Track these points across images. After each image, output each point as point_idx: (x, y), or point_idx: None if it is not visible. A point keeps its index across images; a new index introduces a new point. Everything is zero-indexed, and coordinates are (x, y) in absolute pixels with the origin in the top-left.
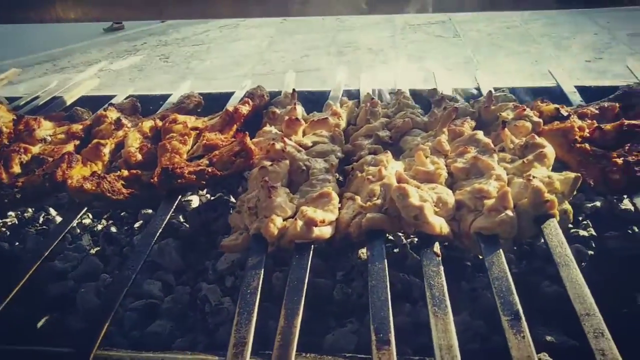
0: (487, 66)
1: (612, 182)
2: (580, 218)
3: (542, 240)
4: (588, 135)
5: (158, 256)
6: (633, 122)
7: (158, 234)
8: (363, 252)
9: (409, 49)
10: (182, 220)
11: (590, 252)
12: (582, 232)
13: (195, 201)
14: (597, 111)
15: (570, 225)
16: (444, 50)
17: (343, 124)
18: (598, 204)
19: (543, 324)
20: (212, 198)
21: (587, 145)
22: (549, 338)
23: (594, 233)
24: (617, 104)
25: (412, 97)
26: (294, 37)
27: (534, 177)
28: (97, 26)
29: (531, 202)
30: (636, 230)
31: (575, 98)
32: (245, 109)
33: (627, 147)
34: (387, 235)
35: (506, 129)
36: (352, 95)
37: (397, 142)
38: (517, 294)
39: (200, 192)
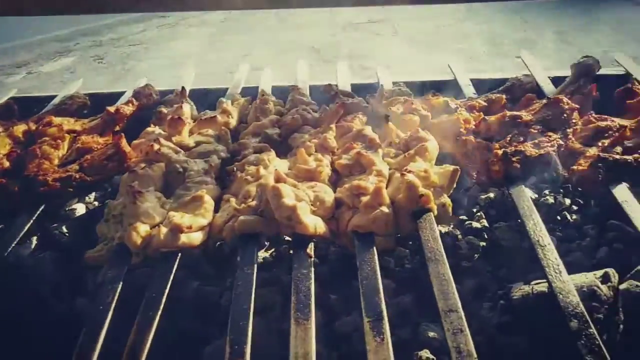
0: (424, 63)
1: (492, 173)
2: (475, 210)
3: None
4: (474, 127)
5: (33, 269)
6: (515, 112)
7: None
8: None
9: (350, 46)
10: (65, 230)
11: (483, 243)
12: (475, 224)
13: (80, 209)
14: (485, 103)
15: (465, 217)
16: (384, 47)
17: (234, 122)
18: (492, 195)
19: (432, 320)
20: (98, 205)
21: (472, 138)
22: (431, 334)
23: (486, 224)
24: (503, 96)
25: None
26: (235, 36)
27: (409, 171)
28: (25, 25)
29: (406, 197)
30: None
31: (468, 91)
32: (128, 109)
33: (508, 138)
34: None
35: (390, 123)
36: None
37: (286, 139)
38: (404, 291)
39: (88, 199)
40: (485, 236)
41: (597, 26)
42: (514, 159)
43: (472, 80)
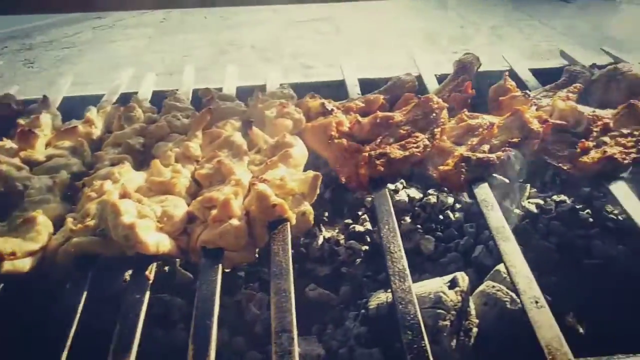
0: (365, 61)
1: (360, 177)
2: (360, 213)
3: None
4: (348, 129)
5: None
6: (387, 113)
7: None
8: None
9: (293, 45)
10: None
11: (365, 247)
12: (359, 227)
13: None
14: (362, 104)
15: (350, 221)
16: (326, 46)
17: (98, 132)
18: None
19: (303, 333)
20: None
21: (343, 141)
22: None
23: (370, 227)
24: (381, 96)
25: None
26: (174, 36)
27: (263, 180)
28: None
29: (258, 208)
30: (408, 220)
31: (354, 91)
32: None
33: (378, 140)
34: None
35: (254, 128)
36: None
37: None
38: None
39: None
40: (368, 239)
41: (528, 21)
42: (377, 161)
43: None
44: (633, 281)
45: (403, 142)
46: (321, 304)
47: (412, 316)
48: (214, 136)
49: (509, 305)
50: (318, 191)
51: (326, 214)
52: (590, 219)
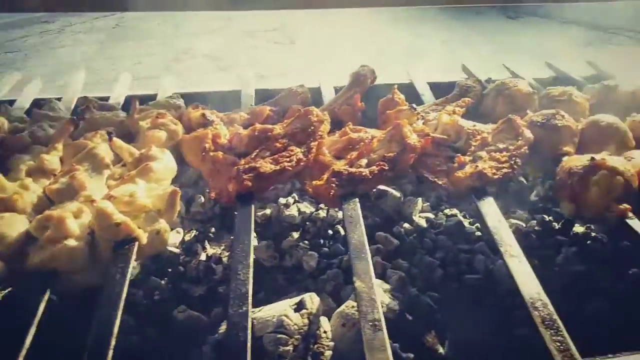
0: (320, 71)
1: (230, 191)
2: None
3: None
4: (227, 142)
5: None
6: (266, 126)
7: None
8: None
9: (247, 54)
10: None
11: None
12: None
13: None
14: (247, 115)
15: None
16: (280, 55)
17: None
18: (268, 211)
19: None
20: None
21: (219, 154)
22: None
23: (256, 243)
24: (267, 108)
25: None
26: (126, 43)
27: (111, 195)
28: None
29: (99, 226)
30: (295, 236)
31: (247, 101)
32: None
33: (254, 154)
34: None
35: (115, 140)
36: None
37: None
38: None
39: None
40: None
41: (476, 37)
42: (245, 176)
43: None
44: (504, 298)
45: (276, 156)
46: (189, 327)
47: (240, 344)
48: (79, 148)
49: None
50: (179, 207)
51: (213, 229)
52: (478, 233)
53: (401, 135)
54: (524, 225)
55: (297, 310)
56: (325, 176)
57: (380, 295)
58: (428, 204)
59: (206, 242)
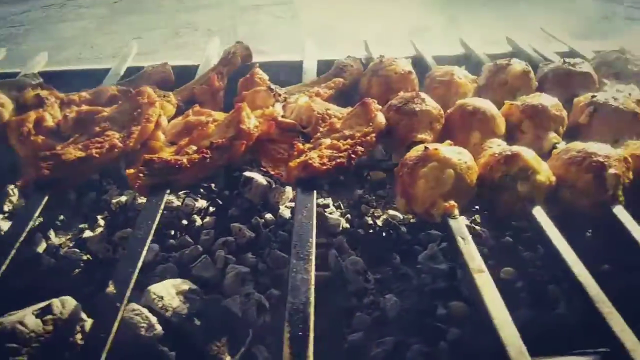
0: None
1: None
2: (102, 216)
3: None
4: (53, 124)
5: None
6: (95, 107)
7: None
8: None
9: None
10: None
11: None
12: (89, 233)
13: None
14: (89, 96)
15: (86, 225)
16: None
17: None
18: (123, 198)
19: None
20: None
21: (39, 138)
22: None
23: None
24: (114, 87)
25: None
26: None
27: None
28: None
29: None
30: None
31: (110, 82)
32: None
33: (71, 139)
34: None
35: None
36: None
37: None
38: None
39: None
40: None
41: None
42: (44, 164)
43: None
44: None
45: (87, 142)
46: None
47: None
48: None
49: (143, 332)
50: None
51: (61, 217)
52: (346, 225)
53: (238, 119)
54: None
55: (40, 315)
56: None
57: (169, 297)
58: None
59: (51, 230)
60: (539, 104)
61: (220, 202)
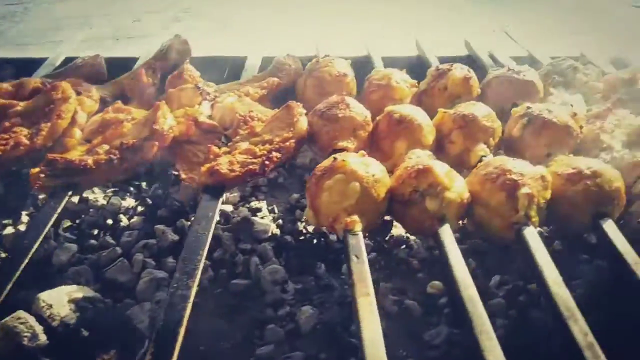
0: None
1: None
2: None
3: None
4: None
5: None
6: (10, 101)
7: None
8: None
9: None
10: None
11: None
12: None
13: None
14: (13, 88)
15: None
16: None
17: None
18: None
19: None
20: None
21: None
22: None
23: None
24: (37, 80)
25: None
26: None
27: None
28: None
29: None
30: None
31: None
32: None
33: None
34: None
35: None
36: None
37: None
38: None
39: None
40: None
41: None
42: None
43: None
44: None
45: None
46: None
47: None
48: None
49: (26, 342)
50: None
51: None
52: (276, 231)
53: (153, 119)
54: None
55: None
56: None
57: (58, 306)
58: (238, 194)
59: None
60: (470, 113)
61: (150, 202)
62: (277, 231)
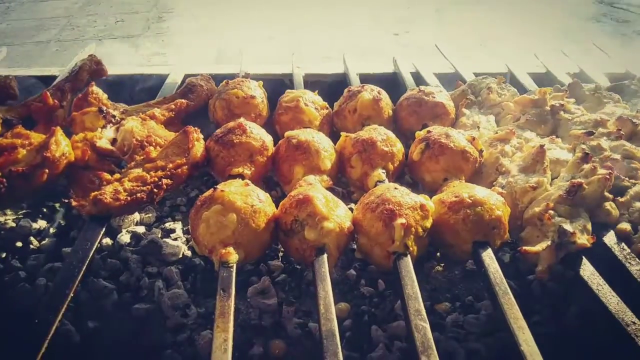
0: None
1: None
2: None
3: None
4: None
5: None
6: None
7: None
8: None
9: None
10: None
11: None
12: None
13: None
14: None
15: None
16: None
17: None
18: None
19: None
20: None
21: None
22: None
23: None
24: None
25: None
26: None
27: None
28: None
29: None
30: None
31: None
32: None
33: None
34: None
35: None
36: None
37: None
38: None
39: None
40: None
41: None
42: None
43: None
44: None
45: None
46: None
47: None
48: None
49: None
50: None
51: None
52: (184, 254)
53: (45, 145)
54: None
55: None
56: None
57: None
58: (153, 214)
59: None
60: (369, 137)
61: (63, 223)
62: (189, 252)
